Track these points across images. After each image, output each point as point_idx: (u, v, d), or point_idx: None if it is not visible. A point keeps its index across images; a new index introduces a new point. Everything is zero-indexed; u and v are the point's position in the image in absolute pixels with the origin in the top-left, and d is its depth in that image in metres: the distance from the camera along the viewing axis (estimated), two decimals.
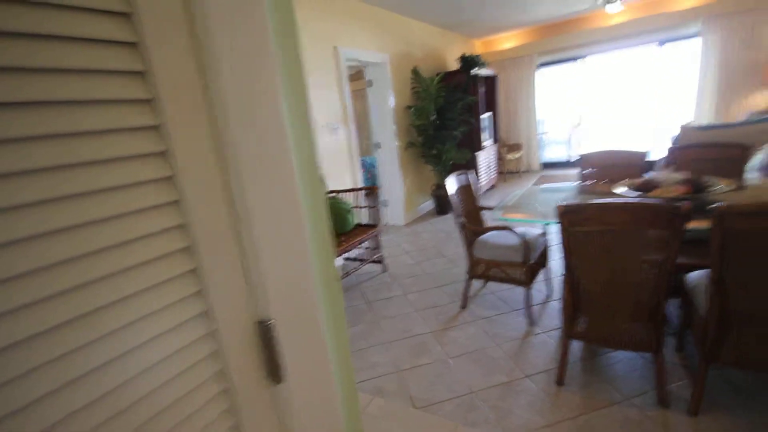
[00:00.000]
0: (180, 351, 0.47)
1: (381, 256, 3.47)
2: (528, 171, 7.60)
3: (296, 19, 0.66)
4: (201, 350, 0.49)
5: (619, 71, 6.92)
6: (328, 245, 0.72)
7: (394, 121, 4.68)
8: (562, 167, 7.50)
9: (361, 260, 3.30)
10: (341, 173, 3.90)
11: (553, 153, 7.82)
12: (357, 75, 8.08)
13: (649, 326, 1.61)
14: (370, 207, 3.48)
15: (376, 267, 3.63)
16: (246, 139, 0.51)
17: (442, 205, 5.15)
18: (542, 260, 2.54)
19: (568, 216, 1.56)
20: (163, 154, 0.45)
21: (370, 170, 6.67)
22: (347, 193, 3.58)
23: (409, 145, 4.94)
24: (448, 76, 5.32)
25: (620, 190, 2.14)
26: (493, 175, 6.31)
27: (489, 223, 2.65)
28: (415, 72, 4.98)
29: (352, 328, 2.62)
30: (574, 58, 6.92)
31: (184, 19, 0.45)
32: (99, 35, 0.39)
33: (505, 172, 7.09)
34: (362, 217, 3.56)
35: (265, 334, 0.55)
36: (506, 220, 2.22)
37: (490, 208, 2.77)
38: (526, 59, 7.00)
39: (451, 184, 2.53)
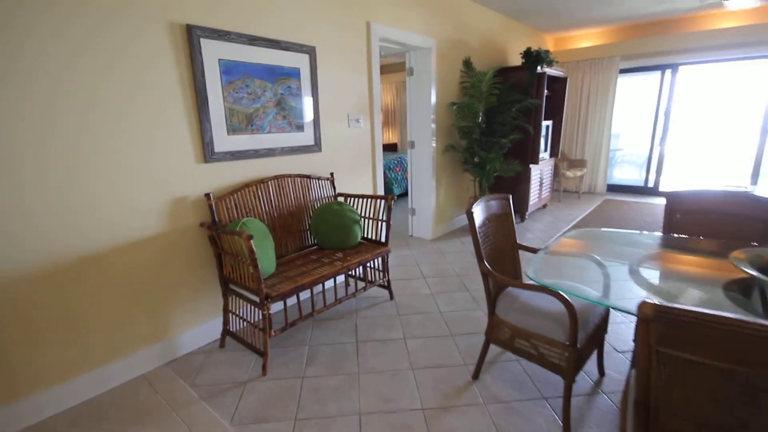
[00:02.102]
0: None
1: (388, 280, 2.84)
2: (590, 192, 6.56)
3: None
4: None
5: (717, 87, 5.69)
6: None
7: (433, 119, 3.99)
8: (633, 193, 6.39)
9: (365, 280, 2.70)
10: (359, 174, 3.31)
11: (623, 174, 6.70)
12: (399, 66, 7.37)
13: None
14: (380, 221, 2.86)
15: (382, 292, 3.01)
16: None
17: None
18: (598, 336, 1.78)
19: (661, 326, 0.85)
20: None
21: (385, 172, 5.95)
22: (358, 199, 2.98)
23: (449, 149, 4.23)
24: (505, 72, 4.51)
25: (748, 268, 1.34)
26: (546, 193, 5.41)
27: (526, 276, 1.92)
28: (467, 63, 4.24)
29: (326, 378, 2.03)
30: (662, 67, 5.77)
31: None
32: None
33: (561, 191, 6.13)
34: (370, 230, 2.95)
35: None
36: (542, 283, 1.49)
37: (532, 250, 2.04)
38: (605, 62, 5.95)
39: (479, 213, 1.84)
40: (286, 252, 2.61)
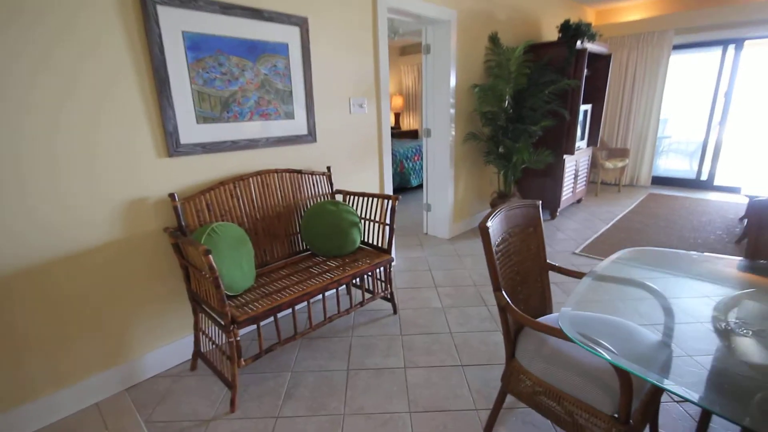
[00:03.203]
0: None
1: (391, 293, 2.45)
2: (632, 185, 5.88)
3: None
4: None
5: None
6: None
7: (452, 104, 3.51)
8: (683, 187, 5.66)
9: (362, 288, 2.32)
10: (362, 167, 2.89)
11: (671, 165, 5.96)
12: (415, 48, 6.62)
13: None
14: (384, 224, 2.44)
15: (385, 303, 2.63)
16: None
17: None
18: (655, 401, 1.32)
19: None
20: None
21: (402, 161, 5.44)
22: (358, 197, 2.57)
23: (470, 137, 3.74)
24: (538, 49, 3.94)
25: None
26: (582, 186, 4.82)
27: (560, 325, 1.45)
28: (493, 39, 3.70)
29: (304, 420, 1.67)
30: (724, 42, 4.97)
31: None
32: None
33: (599, 183, 5.49)
34: (372, 233, 2.55)
35: None
36: (588, 348, 1.04)
37: (576, 274, 1.58)
38: (656, 37, 5.20)
39: (496, 229, 1.40)
40: (270, 259, 2.26)
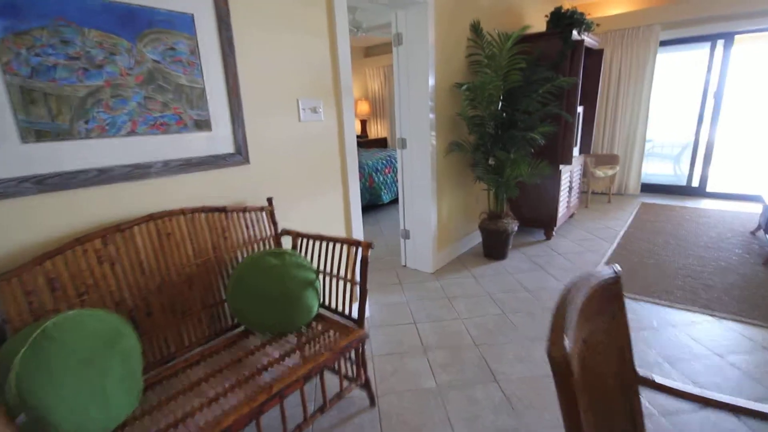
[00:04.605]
0: None
1: (366, 379, 1.69)
2: (621, 194, 5.44)
3: None
4: None
5: None
6: None
7: (431, 107, 2.82)
8: (673, 194, 5.29)
9: (337, 372, 1.55)
10: (320, 192, 2.13)
11: (656, 170, 5.60)
12: (387, 47, 5.89)
13: None
14: (352, 282, 1.68)
15: (358, 393, 1.86)
16: None
17: (494, 244, 3.26)
18: None
19: None
20: None
21: (371, 175, 4.61)
22: (315, 241, 1.80)
23: (454, 148, 3.07)
24: (527, 41, 3.34)
25: None
26: (575, 199, 4.28)
27: None
28: (476, 29, 3.06)
29: None
30: (713, 38, 4.63)
31: None
32: None
33: (589, 193, 5.00)
34: (337, 292, 1.78)
35: None
36: None
37: (676, 392, 0.89)
38: (642, 32, 4.79)
39: (572, 353, 0.68)
40: (177, 350, 1.45)
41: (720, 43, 4.61)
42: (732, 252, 3.24)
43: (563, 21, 3.20)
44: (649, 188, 5.46)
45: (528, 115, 3.02)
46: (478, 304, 2.61)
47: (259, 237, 1.73)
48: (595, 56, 3.91)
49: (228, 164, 1.64)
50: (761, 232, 3.59)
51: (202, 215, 1.53)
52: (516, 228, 3.28)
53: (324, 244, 2.04)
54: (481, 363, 2.01)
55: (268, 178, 1.83)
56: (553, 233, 3.77)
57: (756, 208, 4.44)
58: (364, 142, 7.11)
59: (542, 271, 3.06)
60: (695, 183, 5.13)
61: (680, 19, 4.59)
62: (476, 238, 3.75)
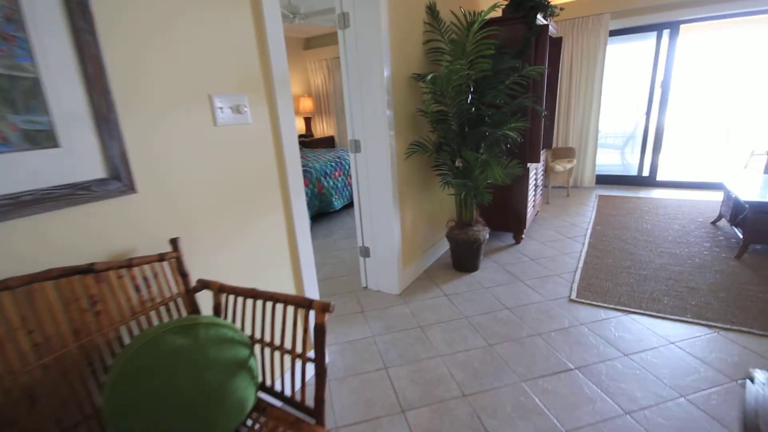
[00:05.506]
0: None
1: None
2: (577, 186, 5.37)
3: None
4: None
5: (728, 50, 4.70)
6: None
7: (388, 102, 2.36)
8: (626, 185, 5.29)
9: None
10: (252, 222, 1.60)
11: (607, 161, 5.62)
12: (330, 38, 5.18)
13: None
14: (304, 359, 1.18)
15: None
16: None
17: (465, 256, 2.89)
18: None
19: None
20: None
21: (319, 180, 4.03)
22: (246, 300, 1.27)
23: (416, 148, 2.65)
24: (488, 26, 2.98)
25: None
26: (539, 197, 4.06)
27: None
28: (432, 11, 2.65)
29: None
30: (659, 27, 4.62)
31: None
32: None
33: (549, 189, 4.84)
34: (282, 367, 1.28)
35: None
36: None
37: None
38: (592, 21, 4.67)
39: None
40: None
41: (666, 32, 4.60)
42: (702, 246, 3.13)
43: (526, 4, 2.88)
44: (602, 179, 5.44)
45: (496, 109, 2.67)
46: (457, 332, 2.22)
47: (159, 300, 1.17)
48: (554, 45, 3.67)
49: (97, 196, 1.06)
50: (723, 222, 3.57)
51: (49, 284, 0.95)
52: (488, 236, 2.94)
53: (259, 303, 1.52)
54: (475, 423, 1.60)
55: (170, 210, 1.27)
56: (523, 236, 3.49)
57: (708, 196, 4.50)
58: (309, 141, 6.51)
59: (519, 283, 2.74)
60: (645, 173, 5.16)
61: (629, 7, 4.52)
62: (443, 247, 3.37)
